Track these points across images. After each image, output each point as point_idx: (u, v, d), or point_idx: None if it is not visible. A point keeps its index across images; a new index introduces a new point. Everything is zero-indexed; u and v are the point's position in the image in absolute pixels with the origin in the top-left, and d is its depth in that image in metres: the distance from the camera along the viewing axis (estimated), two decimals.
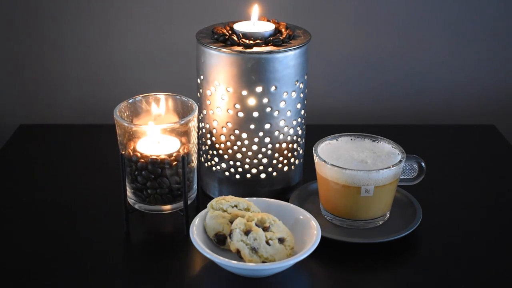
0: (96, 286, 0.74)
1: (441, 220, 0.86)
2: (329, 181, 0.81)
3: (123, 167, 0.81)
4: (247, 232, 0.74)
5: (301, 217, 0.80)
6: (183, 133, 0.82)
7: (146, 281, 0.75)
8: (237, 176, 0.87)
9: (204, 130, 0.88)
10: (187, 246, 0.79)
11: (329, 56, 1.15)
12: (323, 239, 0.76)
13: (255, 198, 0.82)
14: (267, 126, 0.84)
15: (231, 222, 0.77)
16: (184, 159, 0.80)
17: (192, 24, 0.97)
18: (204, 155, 0.90)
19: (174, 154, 0.81)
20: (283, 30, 0.85)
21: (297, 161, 0.90)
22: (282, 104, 0.84)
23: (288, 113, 0.85)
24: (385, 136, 0.87)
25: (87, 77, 1.16)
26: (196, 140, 0.84)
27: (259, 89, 0.82)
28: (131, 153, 0.80)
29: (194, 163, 0.84)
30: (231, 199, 0.80)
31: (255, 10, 0.87)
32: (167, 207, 0.83)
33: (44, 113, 1.17)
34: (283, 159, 0.87)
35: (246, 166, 0.86)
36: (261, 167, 0.86)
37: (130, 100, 0.85)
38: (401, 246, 0.81)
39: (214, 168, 0.89)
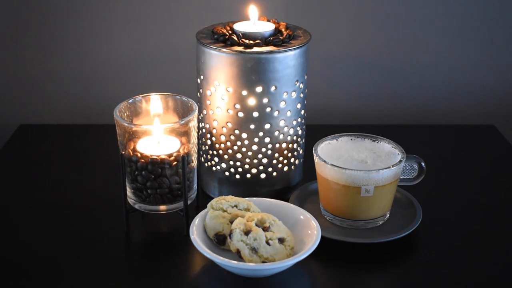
0: (96, 286, 0.74)
1: (441, 220, 0.86)
2: (329, 181, 0.81)
3: (123, 167, 0.81)
4: (247, 232, 0.74)
5: (301, 217, 0.80)
6: (183, 133, 0.82)
7: (146, 281, 0.75)
8: (237, 176, 0.87)
9: (204, 130, 0.88)
10: (187, 246, 0.79)
11: (329, 56, 1.15)
12: (323, 239, 0.77)
13: (255, 198, 0.82)
14: (267, 126, 0.84)
15: (231, 222, 0.77)
16: (184, 159, 0.80)
17: (192, 24, 0.97)
18: (204, 155, 0.90)
19: (174, 154, 0.81)
20: (283, 30, 0.85)
21: (297, 161, 0.90)
22: (282, 104, 0.84)
23: (288, 113, 0.85)
24: (385, 136, 0.87)
25: (87, 77, 1.16)
26: (196, 140, 0.84)
27: (259, 89, 0.82)
28: (131, 153, 0.80)
29: (194, 163, 0.84)
30: (231, 199, 0.80)
31: (252, 10, 0.87)
32: (167, 207, 0.83)
33: (44, 113, 1.17)
34: (283, 159, 0.87)
35: (246, 166, 0.86)
36: (261, 167, 0.86)
37: (130, 100, 0.85)
38: (401, 246, 0.81)
39: (214, 168, 0.89)
